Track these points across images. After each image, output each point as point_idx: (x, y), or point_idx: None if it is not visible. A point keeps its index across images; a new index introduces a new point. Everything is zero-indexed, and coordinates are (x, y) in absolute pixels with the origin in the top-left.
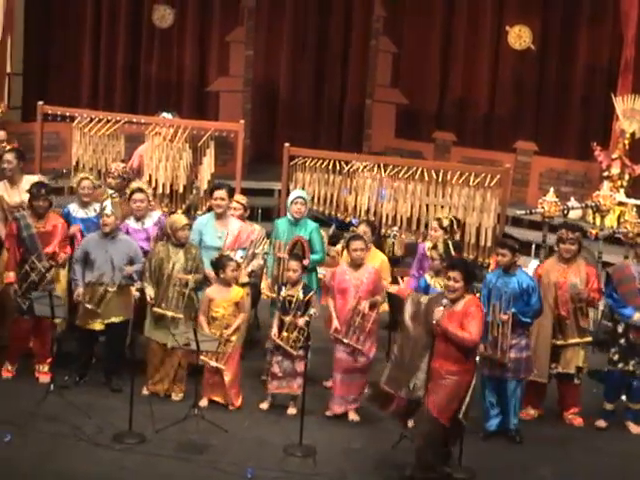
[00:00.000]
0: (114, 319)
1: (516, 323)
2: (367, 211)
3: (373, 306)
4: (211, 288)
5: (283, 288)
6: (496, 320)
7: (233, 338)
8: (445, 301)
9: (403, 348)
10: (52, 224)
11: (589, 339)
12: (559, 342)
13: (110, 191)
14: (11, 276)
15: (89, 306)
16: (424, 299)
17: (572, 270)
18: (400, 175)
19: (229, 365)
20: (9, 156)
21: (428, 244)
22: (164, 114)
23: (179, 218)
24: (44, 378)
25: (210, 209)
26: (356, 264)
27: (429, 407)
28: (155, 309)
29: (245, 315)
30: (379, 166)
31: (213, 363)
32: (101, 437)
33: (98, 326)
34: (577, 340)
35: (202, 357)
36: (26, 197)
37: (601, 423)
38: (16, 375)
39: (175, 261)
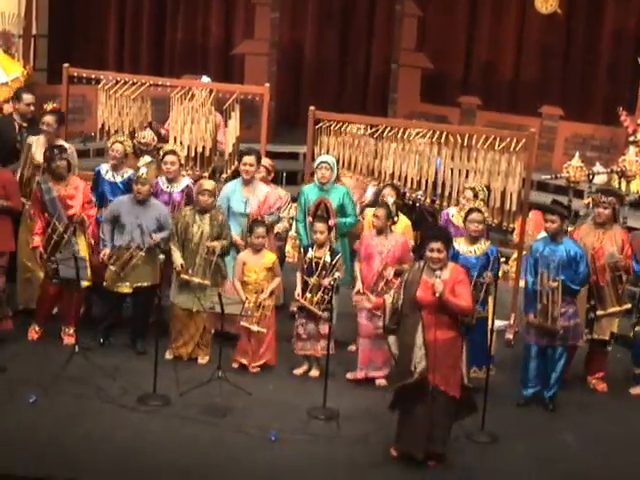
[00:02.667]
0: (143, 283)
1: (564, 291)
2: (392, 175)
3: (398, 274)
4: (243, 253)
5: (310, 250)
6: (545, 288)
7: (269, 302)
8: (438, 272)
9: (400, 337)
10: (74, 186)
11: (628, 306)
12: (599, 312)
13: (148, 158)
14: (37, 240)
15: (113, 268)
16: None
17: (608, 236)
18: (425, 139)
19: (268, 328)
20: (50, 119)
21: (452, 210)
22: (204, 78)
23: (202, 182)
24: (69, 340)
25: (235, 173)
26: (379, 231)
27: (436, 383)
28: (183, 276)
29: (279, 279)
30: (433, 132)
31: (255, 328)
32: (126, 399)
33: (126, 289)
34: (617, 309)
35: (243, 322)
36: None
37: (636, 390)
38: (42, 336)
39: (202, 228)
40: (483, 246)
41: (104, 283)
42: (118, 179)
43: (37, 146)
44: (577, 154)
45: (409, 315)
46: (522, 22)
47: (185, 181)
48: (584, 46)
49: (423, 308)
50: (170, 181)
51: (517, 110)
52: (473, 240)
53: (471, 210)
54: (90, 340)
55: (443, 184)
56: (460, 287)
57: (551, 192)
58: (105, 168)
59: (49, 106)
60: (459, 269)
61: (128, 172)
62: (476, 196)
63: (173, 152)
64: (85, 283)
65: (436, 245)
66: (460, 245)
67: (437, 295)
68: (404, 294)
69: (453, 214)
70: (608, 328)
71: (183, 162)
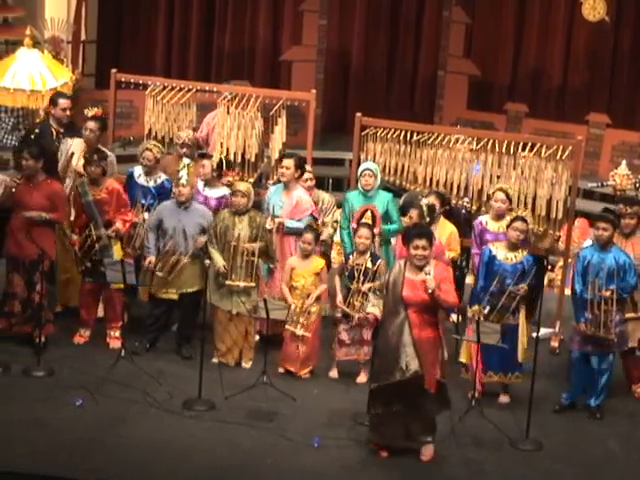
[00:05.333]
0: (189, 289)
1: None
2: (437, 182)
3: None
4: (293, 258)
5: (351, 256)
6: (596, 297)
7: (314, 309)
8: (427, 268)
9: (383, 337)
10: (107, 191)
11: None
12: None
13: (186, 160)
14: (74, 238)
15: (159, 274)
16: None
17: (629, 245)
18: (472, 146)
19: (313, 333)
20: (92, 124)
21: (485, 218)
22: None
23: (235, 184)
24: (115, 343)
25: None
26: None
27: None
28: (227, 282)
29: (325, 286)
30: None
31: (299, 332)
32: (171, 403)
33: (173, 296)
34: (632, 315)
35: (287, 326)
36: None
37: None
38: (89, 341)
39: (240, 229)
40: (520, 255)
41: (150, 290)
42: (151, 184)
43: (77, 151)
44: (624, 162)
45: (394, 315)
46: (570, 30)
47: (223, 191)
48: (631, 53)
49: (409, 307)
50: (207, 184)
51: (564, 118)
52: (512, 247)
53: (517, 218)
54: (138, 344)
55: (480, 190)
56: (446, 285)
57: (597, 200)
58: (138, 171)
59: (91, 111)
60: (442, 266)
61: (161, 177)
62: (507, 196)
63: (209, 156)
64: (117, 286)
65: (421, 242)
66: (498, 250)
67: (429, 291)
68: (389, 295)
69: (487, 221)
70: (636, 334)
71: (215, 167)
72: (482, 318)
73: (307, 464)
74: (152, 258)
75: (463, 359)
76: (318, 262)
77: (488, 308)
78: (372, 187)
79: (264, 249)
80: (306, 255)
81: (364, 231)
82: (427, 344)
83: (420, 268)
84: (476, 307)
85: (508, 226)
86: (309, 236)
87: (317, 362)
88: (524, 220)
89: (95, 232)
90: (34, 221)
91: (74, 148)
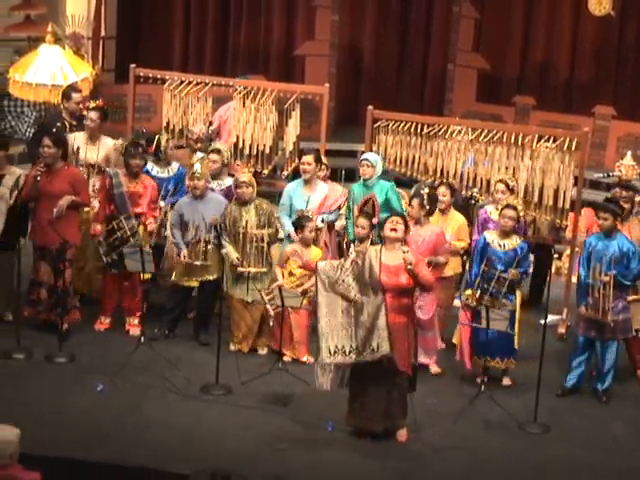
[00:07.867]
0: (209, 277)
1: (615, 286)
2: (447, 173)
3: (435, 266)
4: (293, 245)
5: (352, 245)
6: (597, 282)
7: (304, 301)
8: (405, 248)
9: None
10: (143, 185)
11: None
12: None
13: (200, 154)
14: (98, 228)
15: (197, 263)
16: (346, 262)
17: (625, 229)
18: (480, 138)
19: (298, 321)
20: (93, 114)
21: (490, 207)
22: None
23: (238, 176)
24: (134, 330)
25: (295, 170)
26: (415, 221)
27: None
28: (240, 268)
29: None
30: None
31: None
32: (189, 389)
33: (194, 283)
34: (634, 297)
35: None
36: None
37: None
38: (110, 327)
39: (247, 219)
40: (514, 242)
41: (172, 278)
42: (170, 174)
43: (81, 144)
44: (629, 153)
45: (370, 298)
46: (576, 24)
47: (229, 181)
48: (636, 47)
49: (387, 292)
50: (213, 178)
51: (571, 110)
52: (504, 235)
53: (506, 206)
54: (157, 331)
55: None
56: (420, 265)
57: (604, 190)
58: (150, 166)
59: (92, 104)
60: (414, 251)
61: (174, 166)
62: (508, 187)
63: (217, 151)
64: (146, 275)
65: (396, 219)
66: (492, 237)
67: (409, 267)
68: (366, 279)
69: (491, 211)
70: (637, 317)
71: (226, 162)
72: (474, 302)
73: (321, 448)
74: (185, 252)
75: (455, 341)
76: (317, 252)
77: (479, 292)
78: (370, 176)
79: (274, 235)
80: (307, 244)
81: (362, 221)
82: (400, 329)
83: (395, 241)
84: (469, 291)
85: (499, 214)
86: (312, 225)
87: (305, 352)
88: (514, 208)
89: (127, 224)
90: (62, 210)
91: (78, 141)
